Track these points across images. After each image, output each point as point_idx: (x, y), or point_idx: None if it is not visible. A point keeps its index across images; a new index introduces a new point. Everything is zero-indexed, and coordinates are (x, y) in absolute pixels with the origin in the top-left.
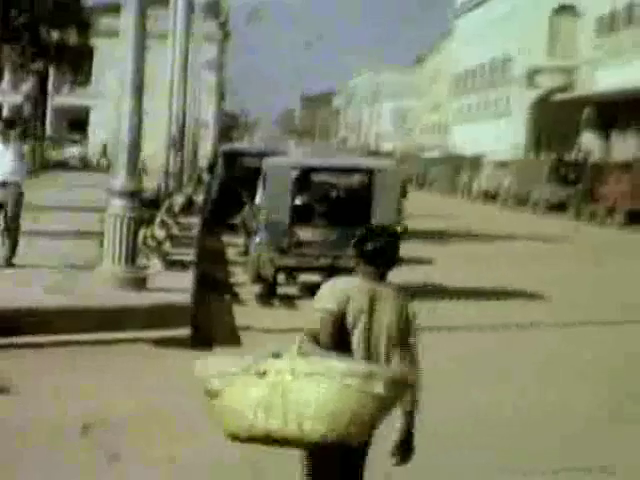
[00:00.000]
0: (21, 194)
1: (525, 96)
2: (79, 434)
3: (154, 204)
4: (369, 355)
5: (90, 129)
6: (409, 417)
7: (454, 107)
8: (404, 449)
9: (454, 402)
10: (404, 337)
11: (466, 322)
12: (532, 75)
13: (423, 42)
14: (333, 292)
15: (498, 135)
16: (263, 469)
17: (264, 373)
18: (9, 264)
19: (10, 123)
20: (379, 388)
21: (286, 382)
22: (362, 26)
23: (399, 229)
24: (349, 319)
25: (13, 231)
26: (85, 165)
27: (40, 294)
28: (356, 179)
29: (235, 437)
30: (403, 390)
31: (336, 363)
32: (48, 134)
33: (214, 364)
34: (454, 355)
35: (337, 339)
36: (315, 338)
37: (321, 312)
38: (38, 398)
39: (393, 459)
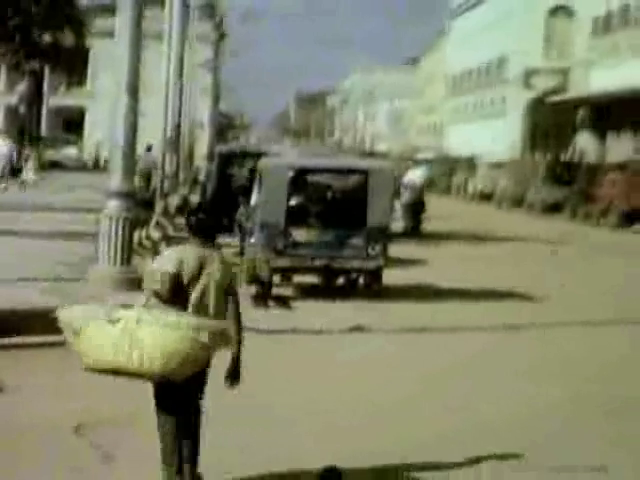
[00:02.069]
0: None
1: (521, 97)
2: (74, 433)
3: (149, 205)
4: (199, 309)
5: (86, 129)
6: (235, 357)
7: (449, 108)
8: (233, 378)
9: (452, 402)
10: (228, 295)
11: (460, 323)
12: (528, 76)
13: (417, 43)
14: (170, 257)
15: (493, 136)
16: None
17: (117, 320)
18: None
19: None
20: (204, 338)
21: (133, 329)
22: (357, 26)
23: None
24: (184, 279)
25: None
26: (95, 165)
27: (35, 295)
28: (351, 180)
29: (91, 369)
30: (223, 340)
31: (173, 316)
32: (44, 135)
33: (78, 310)
34: (450, 357)
35: (174, 295)
36: (157, 295)
37: (161, 274)
38: (33, 398)
39: (226, 383)
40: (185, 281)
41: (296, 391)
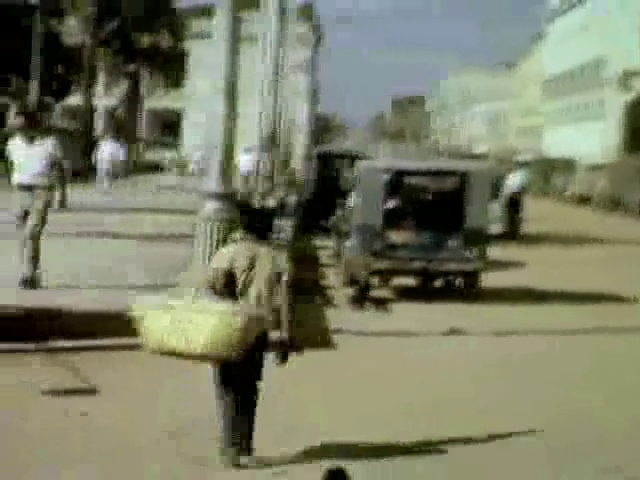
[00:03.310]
0: (49, 201)
1: (619, 99)
2: (167, 437)
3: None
4: (249, 299)
5: (183, 132)
6: (284, 341)
7: (547, 110)
8: (281, 357)
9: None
10: (276, 285)
11: (555, 326)
12: (627, 77)
13: (512, 45)
14: (223, 255)
15: (591, 138)
16: None
17: (172, 308)
18: (30, 284)
19: (32, 117)
20: (240, 322)
21: (183, 316)
22: (451, 29)
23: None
24: (236, 274)
25: (32, 242)
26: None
27: (130, 297)
28: (448, 182)
29: (153, 351)
30: (259, 323)
31: (216, 304)
32: (141, 137)
33: (143, 301)
34: (536, 360)
35: (226, 288)
36: (212, 288)
37: (215, 269)
38: (126, 400)
39: (274, 361)
40: (237, 276)
41: (375, 389)
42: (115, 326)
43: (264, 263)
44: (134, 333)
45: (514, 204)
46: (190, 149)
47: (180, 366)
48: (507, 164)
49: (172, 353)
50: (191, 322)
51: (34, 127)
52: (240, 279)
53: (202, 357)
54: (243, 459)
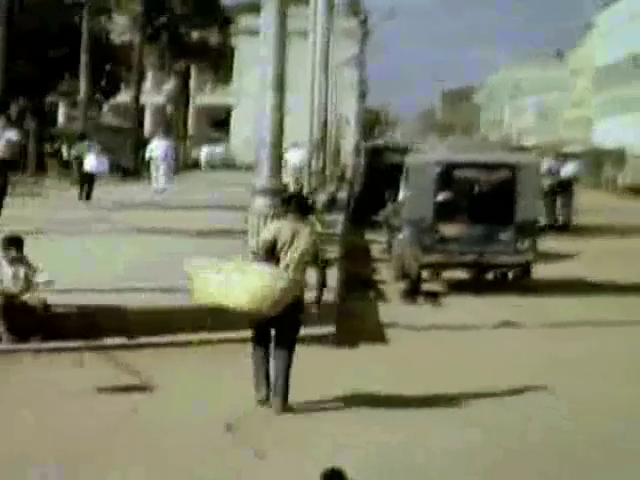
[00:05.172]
0: None
1: None
2: (224, 431)
3: None
4: (288, 267)
5: (232, 128)
6: (318, 295)
7: (597, 101)
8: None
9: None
10: (312, 257)
11: (609, 318)
12: None
13: (562, 37)
14: (270, 228)
15: None
16: None
17: (219, 270)
18: None
19: None
20: (281, 283)
21: (230, 275)
22: (502, 20)
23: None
24: (278, 245)
25: None
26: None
27: (184, 293)
28: (499, 174)
29: (199, 301)
30: (296, 286)
31: (259, 267)
32: (190, 133)
33: (194, 262)
34: (596, 351)
35: (270, 257)
36: (256, 255)
37: (262, 240)
38: (183, 396)
39: (313, 308)
40: (278, 247)
41: (424, 381)
42: (169, 323)
43: (302, 238)
44: (189, 330)
45: (564, 191)
46: (239, 145)
47: (235, 362)
48: (555, 155)
49: (218, 306)
50: (237, 281)
51: None
52: (282, 250)
53: (245, 312)
54: (275, 403)
